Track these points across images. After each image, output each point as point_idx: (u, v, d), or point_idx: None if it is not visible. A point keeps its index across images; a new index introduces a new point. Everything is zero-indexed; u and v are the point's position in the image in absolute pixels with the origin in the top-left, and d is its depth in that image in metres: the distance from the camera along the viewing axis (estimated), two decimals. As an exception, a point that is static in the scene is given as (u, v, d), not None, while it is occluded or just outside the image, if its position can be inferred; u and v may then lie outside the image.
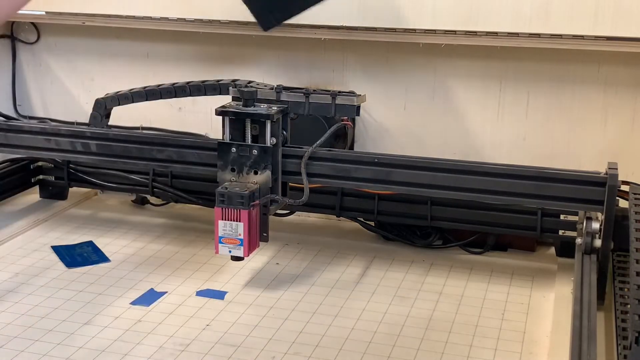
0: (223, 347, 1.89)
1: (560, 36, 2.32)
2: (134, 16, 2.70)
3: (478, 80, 2.55)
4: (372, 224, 2.55)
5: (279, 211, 2.34)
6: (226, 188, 2.12)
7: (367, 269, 2.35)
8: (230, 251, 2.12)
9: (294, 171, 2.20)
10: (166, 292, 2.18)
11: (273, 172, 2.17)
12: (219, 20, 2.62)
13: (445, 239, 2.51)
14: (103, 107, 2.55)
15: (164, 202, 2.80)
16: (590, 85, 2.45)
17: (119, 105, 2.55)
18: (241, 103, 2.18)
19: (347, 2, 2.45)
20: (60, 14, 2.79)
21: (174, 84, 2.52)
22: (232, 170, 2.19)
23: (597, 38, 2.29)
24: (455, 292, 2.21)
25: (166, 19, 2.66)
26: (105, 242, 2.50)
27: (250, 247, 2.13)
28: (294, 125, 2.27)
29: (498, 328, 2.01)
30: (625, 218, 2.04)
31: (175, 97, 2.52)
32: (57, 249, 2.44)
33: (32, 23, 2.95)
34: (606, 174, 2.05)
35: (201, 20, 2.64)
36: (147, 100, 2.52)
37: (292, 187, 2.30)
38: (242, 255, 2.13)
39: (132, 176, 2.70)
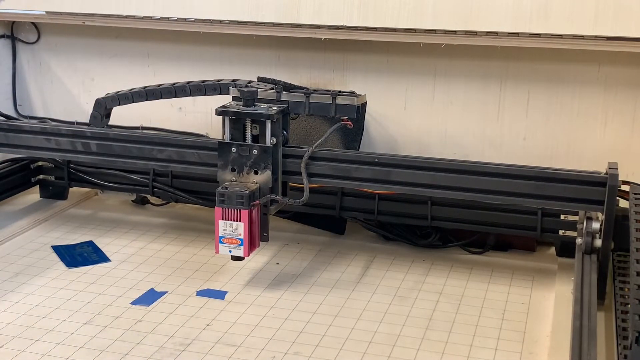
0: (223, 347, 1.89)
1: (560, 36, 2.32)
2: (134, 16, 2.70)
3: (478, 80, 2.55)
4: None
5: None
6: (226, 188, 2.12)
7: (367, 269, 2.35)
8: (230, 251, 2.12)
9: (294, 171, 2.20)
10: (166, 292, 2.18)
11: (273, 172, 2.17)
12: (219, 20, 2.62)
13: (446, 239, 2.51)
14: (103, 107, 2.55)
15: (164, 202, 2.80)
16: (590, 85, 2.45)
17: (119, 105, 2.55)
18: (241, 103, 2.19)
19: (347, 2, 2.45)
20: (60, 13, 2.80)
21: (174, 84, 2.52)
22: (232, 170, 2.19)
23: (597, 38, 2.29)
24: (455, 292, 2.21)
25: (166, 19, 2.66)
26: (105, 242, 2.50)
27: (251, 247, 2.13)
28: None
29: (498, 328, 2.01)
30: (626, 218, 2.04)
31: (175, 97, 2.52)
32: (57, 249, 2.44)
33: (33, 23, 2.95)
34: (606, 174, 2.05)
35: (201, 20, 2.64)
36: (147, 100, 2.52)
37: (293, 187, 2.30)
38: (242, 255, 2.13)
39: (132, 176, 2.70)
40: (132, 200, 2.86)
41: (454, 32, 2.40)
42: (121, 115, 2.69)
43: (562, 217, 2.33)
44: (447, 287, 2.24)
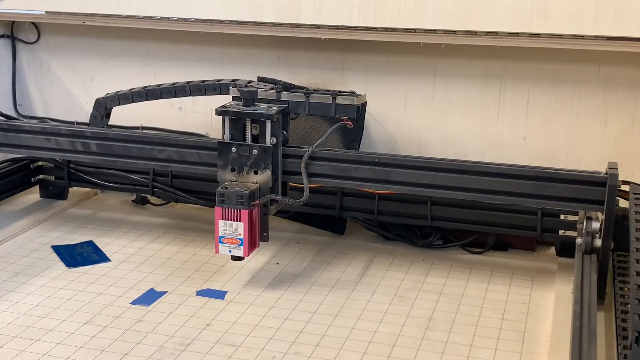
0: (223, 347, 1.89)
1: (560, 36, 2.32)
2: (134, 16, 2.70)
3: (478, 80, 2.55)
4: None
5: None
6: (226, 188, 2.12)
7: (367, 268, 2.35)
8: (230, 251, 2.12)
9: (294, 171, 2.20)
10: (166, 291, 2.18)
11: (273, 172, 2.17)
12: (219, 20, 2.62)
13: (446, 239, 2.51)
14: (103, 107, 2.55)
15: (164, 201, 2.80)
16: (590, 85, 2.45)
17: (119, 105, 2.55)
18: (241, 103, 2.19)
19: (347, 2, 2.45)
20: (60, 13, 2.80)
21: (174, 84, 2.52)
22: (232, 170, 2.19)
23: (597, 38, 2.29)
24: (455, 292, 2.21)
25: (166, 19, 2.66)
26: (105, 242, 2.50)
27: (251, 247, 2.13)
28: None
29: (498, 328, 2.01)
30: (626, 218, 2.04)
31: (175, 97, 2.52)
32: (57, 249, 2.44)
33: (33, 23, 2.95)
34: (606, 173, 2.05)
35: (201, 20, 2.64)
36: (147, 100, 2.52)
37: (293, 187, 2.30)
38: (242, 255, 2.13)
39: (132, 176, 2.70)
40: (132, 200, 2.86)
41: (454, 32, 2.40)
42: (121, 115, 2.69)
43: (562, 217, 2.34)
44: (447, 287, 2.24)
